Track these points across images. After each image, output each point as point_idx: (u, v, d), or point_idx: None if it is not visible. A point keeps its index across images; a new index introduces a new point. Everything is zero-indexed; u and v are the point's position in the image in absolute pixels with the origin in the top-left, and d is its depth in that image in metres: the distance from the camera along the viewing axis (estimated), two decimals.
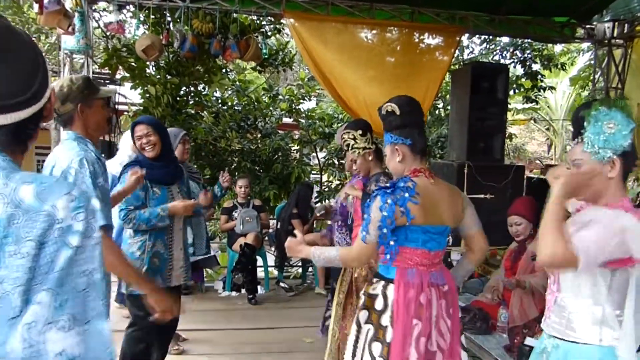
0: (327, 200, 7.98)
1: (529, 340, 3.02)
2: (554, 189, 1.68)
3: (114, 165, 3.87)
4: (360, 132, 3.15)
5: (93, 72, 5.73)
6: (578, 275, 1.68)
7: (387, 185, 2.15)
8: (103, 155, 2.33)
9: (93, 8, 5.71)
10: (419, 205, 2.06)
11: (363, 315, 2.19)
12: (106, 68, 6.07)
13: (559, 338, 1.77)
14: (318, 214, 5.38)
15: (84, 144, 2.25)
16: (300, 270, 6.61)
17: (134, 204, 2.96)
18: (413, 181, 2.10)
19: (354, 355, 2.18)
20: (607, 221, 1.62)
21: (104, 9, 7.72)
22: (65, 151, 2.18)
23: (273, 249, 6.13)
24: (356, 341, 2.19)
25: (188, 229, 3.80)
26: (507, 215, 3.70)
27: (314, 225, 6.43)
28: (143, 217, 2.94)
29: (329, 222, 4.28)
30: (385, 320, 2.11)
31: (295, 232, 2.44)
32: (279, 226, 6.07)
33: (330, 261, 2.23)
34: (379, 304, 2.15)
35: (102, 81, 6.07)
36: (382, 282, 2.18)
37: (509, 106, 8.29)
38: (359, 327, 2.20)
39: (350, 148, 3.16)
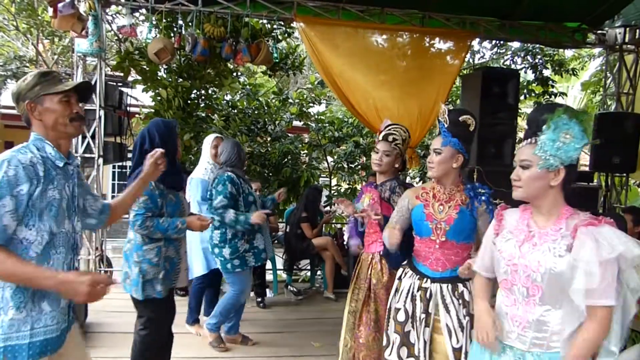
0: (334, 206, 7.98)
1: None
2: None
3: (198, 172, 4.46)
4: (410, 140, 3.30)
5: (106, 75, 5.79)
6: (563, 291, 1.74)
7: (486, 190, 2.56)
8: (71, 160, 2.09)
9: (106, 11, 5.77)
10: None
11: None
12: (119, 71, 6.13)
13: (541, 351, 1.82)
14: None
15: (35, 146, 1.98)
16: (308, 274, 6.61)
17: (152, 210, 2.92)
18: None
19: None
20: (593, 257, 1.68)
21: (117, 13, 7.79)
22: (3, 155, 1.92)
23: (282, 252, 6.13)
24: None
25: (259, 235, 4.04)
26: None
27: (323, 229, 6.43)
28: (161, 227, 2.92)
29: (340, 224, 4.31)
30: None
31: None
32: (288, 230, 6.08)
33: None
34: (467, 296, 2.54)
35: (115, 84, 6.11)
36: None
37: (519, 111, 8.27)
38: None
39: (393, 141, 3.15)
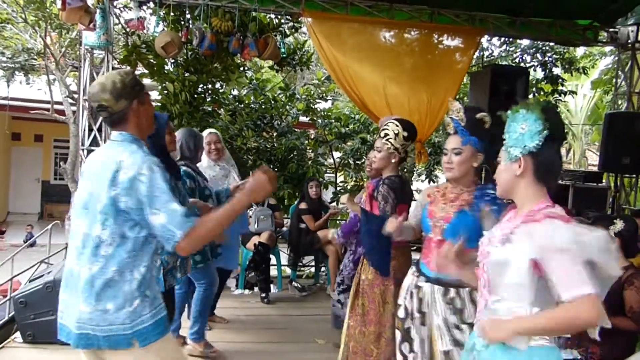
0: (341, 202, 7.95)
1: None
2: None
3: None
4: (405, 133, 3.05)
5: (113, 68, 5.78)
6: (512, 281, 1.71)
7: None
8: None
9: (114, 4, 5.76)
10: None
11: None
12: (126, 64, 6.12)
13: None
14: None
15: (142, 147, 2.02)
16: (313, 270, 6.59)
17: None
18: None
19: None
20: (560, 246, 1.61)
21: (125, 6, 7.79)
22: (129, 155, 1.93)
23: (287, 248, 6.11)
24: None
25: None
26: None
27: (328, 223, 6.40)
28: None
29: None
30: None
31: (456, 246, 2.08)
32: (290, 224, 6.07)
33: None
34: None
35: None
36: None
37: None
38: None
39: (385, 138, 3.06)
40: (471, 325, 2.23)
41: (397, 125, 3.06)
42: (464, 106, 2.48)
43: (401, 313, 2.61)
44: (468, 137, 2.43)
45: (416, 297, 2.53)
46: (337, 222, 7.87)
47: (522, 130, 1.75)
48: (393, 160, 3.08)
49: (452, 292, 2.42)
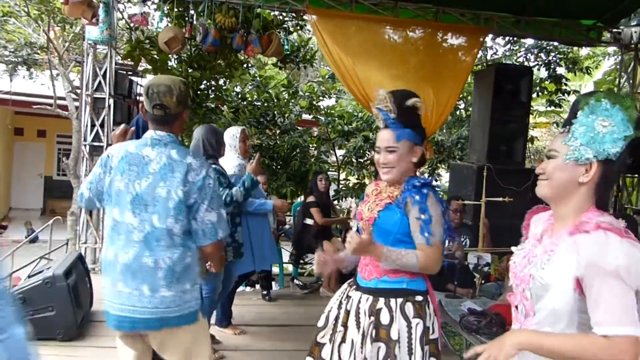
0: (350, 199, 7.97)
1: None
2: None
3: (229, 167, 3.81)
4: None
5: (116, 63, 5.78)
6: (554, 306, 1.44)
7: (427, 182, 2.09)
8: None
9: None
10: None
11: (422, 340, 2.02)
12: (129, 59, 6.11)
13: None
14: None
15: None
16: (314, 267, 6.59)
17: None
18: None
19: None
20: (611, 269, 1.32)
21: (128, 1, 7.77)
22: (194, 158, 2.18)
23: (291, 245, 6.09)
24: None
25: (239, 229, 3.72)
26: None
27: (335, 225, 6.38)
28: None
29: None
30: (433, 333, 2.06)
31: (364, 235, 1.97)
32: (295, 221, 6.04)
33: (406, 267, 2.00)
34: (428, 321, 2.05)
35: (125, 72, 6.10)
36: (424, 297, 2.07)
37: (532, 109, 8.19)
38: (423, 354, 2.01)
39: None
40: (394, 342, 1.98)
41: None
42: (390, 93, 2.05)
43: (321, 322, 2.28)
44: (401, 131, 2.05)
45: (344, 308, 2.18)
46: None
47: (602, 128, 1.40)
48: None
49: (381, 302, 2.06)
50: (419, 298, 2.05)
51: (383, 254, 1.98)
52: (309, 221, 5.75)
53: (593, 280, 1.33)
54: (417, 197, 1.99)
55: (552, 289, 1.42)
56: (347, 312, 2.15)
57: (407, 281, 2.06)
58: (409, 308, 2.03)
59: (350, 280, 2.28)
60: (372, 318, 2.03)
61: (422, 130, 2.13)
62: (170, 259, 2.12)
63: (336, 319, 2.20)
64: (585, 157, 1.42)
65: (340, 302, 2.22)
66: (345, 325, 2.14)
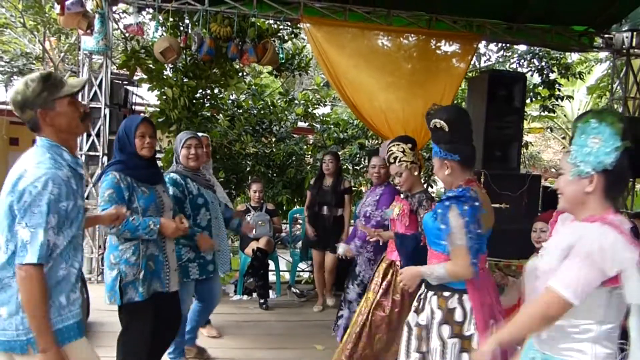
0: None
1: None
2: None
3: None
4: (409, 145, 3.23)
5: (111, 73, 5.79)
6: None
7: (456, 195, 2.23)
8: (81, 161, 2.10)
9: (113, 10, 5.78)
10: (484, 213, 2.25)
11: (445, 330, 2.27)
12: (125, 69, 6.13)
13: (550, 354, 1.74)
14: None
15: (58, 155, 1.98)
16: (311, 275, 6.58)
17: (118, 203, 2.72)
18: (474, 191, 2.23)
19: None
20: (586, 249, 1.59)
21: (124, 11, 7.80)
22: (35, 164, 1.90)
23: (291, 247, 5.99)
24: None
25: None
26: (534, 221, 3.60)
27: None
28: (130, 226, 2.73)
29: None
30: (468, 329, 2.23)
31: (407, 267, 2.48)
32: (311, 213, 5.55)
33: (440, 278, 2.29)
34: (458, 316, 2.26)
35: (120, 82, 6.12)
36: (457, 294, 2.28)
37: (526, 114, 8.23)
38: (444, 342, 2.26)
39: (397, 161, 3.21)
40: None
41: (398, 144, 3.24)
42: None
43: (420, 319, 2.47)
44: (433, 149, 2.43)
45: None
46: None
47: (594, 144, 1.64)
48: (416, 173, 3.24)
49: (430, 293, 2.39)
50: (447, 293, 2.30)
51: (424, 274, 2.36)
52: (325, 212, 5.44)
53: (571, 255, 1.61)
54: (440, 210, 2.26)
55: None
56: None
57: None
58: (434, 300, 2.33)
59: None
60: (417, 304, 2.43)
61: (453, 144, 2.34)
62: None
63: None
64: (585, 171, 1.66)
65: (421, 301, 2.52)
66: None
